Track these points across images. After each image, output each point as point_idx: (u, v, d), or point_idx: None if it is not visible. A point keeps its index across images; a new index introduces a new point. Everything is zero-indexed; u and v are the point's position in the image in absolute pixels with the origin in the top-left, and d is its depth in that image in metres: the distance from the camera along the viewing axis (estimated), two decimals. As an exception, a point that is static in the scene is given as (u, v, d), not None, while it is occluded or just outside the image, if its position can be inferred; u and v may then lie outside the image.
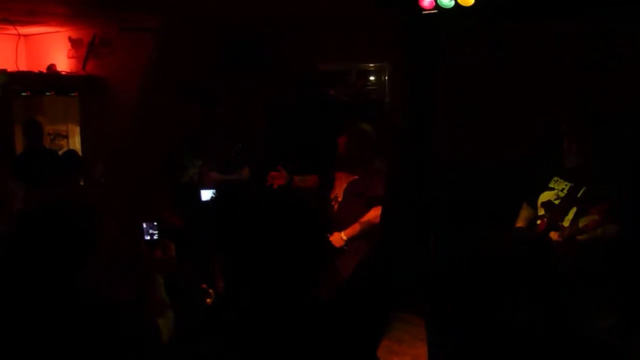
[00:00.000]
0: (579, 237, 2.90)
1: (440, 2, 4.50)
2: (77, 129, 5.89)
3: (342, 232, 3.85)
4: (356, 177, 3.89)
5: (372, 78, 5.41)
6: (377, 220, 3.82)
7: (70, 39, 5.74)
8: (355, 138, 3.85)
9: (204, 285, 2.32)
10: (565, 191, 3.08)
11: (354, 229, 3.84)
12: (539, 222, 3.12)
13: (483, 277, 1.30)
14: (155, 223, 1.89)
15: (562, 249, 2.91)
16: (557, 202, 3.08)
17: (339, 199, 3.93)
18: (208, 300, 2.27)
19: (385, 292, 1.43)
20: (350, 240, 3.83)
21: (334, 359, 1.30)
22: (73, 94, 5.70)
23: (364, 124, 4.00)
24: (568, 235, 2.90)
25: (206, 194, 3.69)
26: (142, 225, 1.88)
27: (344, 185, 3.93)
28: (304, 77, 5.49)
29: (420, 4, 4.69)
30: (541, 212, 3.14)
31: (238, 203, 1.36)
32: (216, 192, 1.45)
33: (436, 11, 4.70)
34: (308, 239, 1.29)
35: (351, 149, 3.82)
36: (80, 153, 5.45)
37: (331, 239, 3.84)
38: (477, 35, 4.72)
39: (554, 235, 2.97)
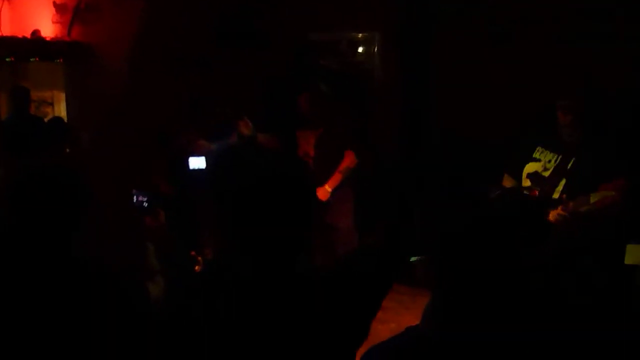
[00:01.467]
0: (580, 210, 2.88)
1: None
2: (63, 96, 5.81)
3: (326, 185, 3.94)
4: (320, 131, 4.03)
5: (362, 48, 5.38)
6: (354, 164, 4.03)
7: (54, 4, 5.62)
8: (317, 96, 4.06)
9: (193, 253, 2.35)
10: (553, 162, 3.07)
11: (336, 178, 3.98)
12: (526, 193, 3.12)
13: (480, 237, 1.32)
14: (145, 191, 1.89)
15: (567, 223, 2.90)
16: (545, 173, 3.07)
17: (311, 155, 4.03)
18: (197, 267, 2.30)
19: (386, 270, 1.46)
20: (334, 190, 3.94)
21: (328, 328, 1.34)
22: (58, 60, 5.61)
23: (321, 84, 4.15)
24: (572, 210, 2.88)
25: (194, 162, 3.72)
26: (132, 193, 1.89)
27: (312, 141, 4.03)
28: (298, 48, 5.47)
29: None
30: (526, 183, 3.14)
31: (231, 169, 1.37)
32: (207, 160, 1.46)
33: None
34: (302, 201, 1.32)
35: (314, 107, 4.02)
36: (65, 120, 5.39)
37: (317, 193, 3.92)
38: (473, 9, 4.70)
39: (555, 211, 2.94)
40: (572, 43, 4.26)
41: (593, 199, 2.81)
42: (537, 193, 3.07)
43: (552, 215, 2.92)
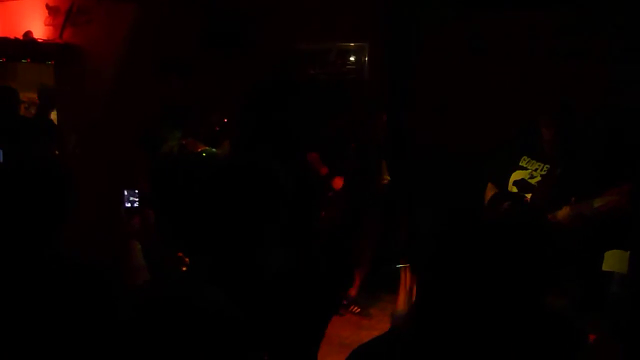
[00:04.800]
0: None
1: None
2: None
3: None
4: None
5: (352, 58, 5.44)
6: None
7: (47, 6, 5.64)
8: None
9: (180, 254, 2.37)
10: (540, 171, 3.16)
11: None
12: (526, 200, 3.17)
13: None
14: (135, 191, 1.92)
15: (566, 227, 2.90)
16: (532, 181, 3.14)
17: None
18: (183, 268, 2.31)
19: (338, 271, 1.50)
20: None
21: (288, 324, 1.37)
22: (49, 62, 5.62)
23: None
24: (577, 212, 2.90)
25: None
26: (122, 193, 1.92)
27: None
28: (283, 57, 5.52)
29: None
30: (513, 189, 3.20)
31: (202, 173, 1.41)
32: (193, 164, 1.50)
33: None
34: (264, 204, 1.36)
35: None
36: (55, 122, 5.39)
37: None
38: (455, 24, 4.80)
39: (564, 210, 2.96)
40: (551, 58, 4.38)
41: (596, 203, 2.83)
42: (527, 199, 3.13)
43: (561, 214, 2.93)
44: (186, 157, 3.58)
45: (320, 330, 1.44)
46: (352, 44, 5.41)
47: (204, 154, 3.37)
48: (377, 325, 4.22)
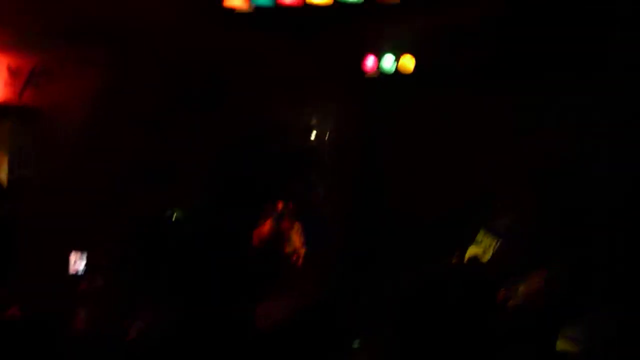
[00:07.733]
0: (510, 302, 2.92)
1: (382, 68, 4.89)
2: (5, 159, 5.65)
3: None
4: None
5: (315, 131, 5.53)
6: None
7: (8, 68, 5.58)
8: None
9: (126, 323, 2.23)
10: (491, 248, 3.18)
11: None
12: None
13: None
14: (83, 254, 1.82)
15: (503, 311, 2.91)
16: (484, 258, 3.16)
17: (302, 251, 3.93)
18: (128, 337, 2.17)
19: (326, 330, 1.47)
20: None
21: None
22: (5, 124, 5.50)
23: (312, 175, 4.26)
24: (504, 298, 2.90)
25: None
26: (69, 257, 1.81)
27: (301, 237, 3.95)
28: (251, 130, 5.56)
29: (363, 68, 4.98)
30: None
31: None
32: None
33: (378, 75, 5.00)
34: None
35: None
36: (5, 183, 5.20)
37: None
38: (419, 100, 5.00)
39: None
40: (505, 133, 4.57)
41: (522, 288, 2.88)
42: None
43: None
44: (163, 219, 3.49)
45: None
46: (317, 117, 5.52)
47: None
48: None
